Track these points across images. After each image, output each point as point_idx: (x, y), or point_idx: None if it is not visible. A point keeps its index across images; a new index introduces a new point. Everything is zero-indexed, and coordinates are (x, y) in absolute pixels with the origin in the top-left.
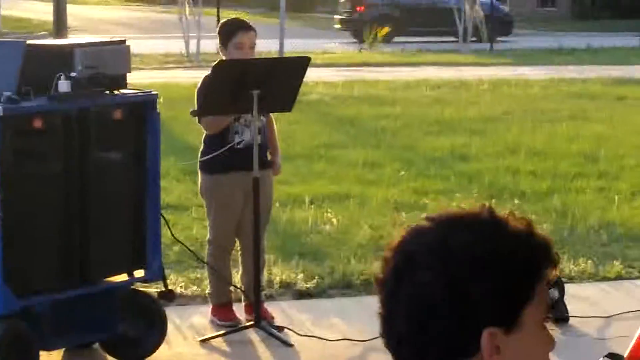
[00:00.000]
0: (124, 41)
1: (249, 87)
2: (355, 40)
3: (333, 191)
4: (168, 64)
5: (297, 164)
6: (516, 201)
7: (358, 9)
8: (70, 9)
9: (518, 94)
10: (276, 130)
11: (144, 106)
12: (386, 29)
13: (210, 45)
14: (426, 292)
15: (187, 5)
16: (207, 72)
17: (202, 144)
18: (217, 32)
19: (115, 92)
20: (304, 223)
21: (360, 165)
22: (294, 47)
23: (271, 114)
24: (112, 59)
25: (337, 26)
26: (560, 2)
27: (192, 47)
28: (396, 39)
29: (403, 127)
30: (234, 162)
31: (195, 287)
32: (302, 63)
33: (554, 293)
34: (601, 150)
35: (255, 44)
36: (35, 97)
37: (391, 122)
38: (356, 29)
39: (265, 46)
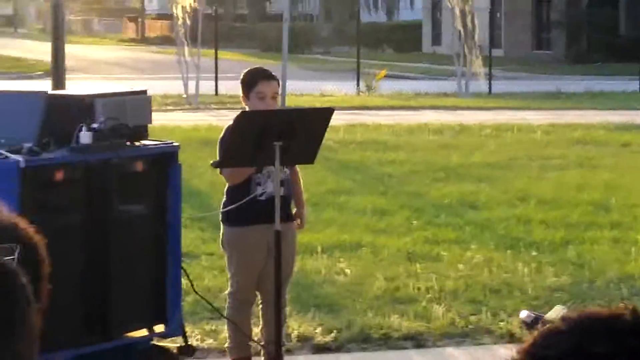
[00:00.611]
0: (145, 91)
1: (272, 139)
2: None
3: (344, 240)
4: (167, 105)
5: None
6: (533, 253)
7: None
8: (66, 49)
9: (521, 139)
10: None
11: (166, 158)
12: (384, 72)
13: (209, 86)
14: None
15: (185, 47)
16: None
17: (224, 195)
18: (240, 81)
19: (137, 143)
20: (316, 273)
21: (369, 213)
22: (291, 89)
23: (296, 165)
24: (134, 109)
25: None
26: (555, 45)
27: (191, 89)
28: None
29: (409, 173)
30: (257, 214)
31: (211, 340)
32: (325, 114)
33: None
34: (612, 200)
35: (277, 94)
36: (56, 148)
37: (397, 167)
38: None
39: None
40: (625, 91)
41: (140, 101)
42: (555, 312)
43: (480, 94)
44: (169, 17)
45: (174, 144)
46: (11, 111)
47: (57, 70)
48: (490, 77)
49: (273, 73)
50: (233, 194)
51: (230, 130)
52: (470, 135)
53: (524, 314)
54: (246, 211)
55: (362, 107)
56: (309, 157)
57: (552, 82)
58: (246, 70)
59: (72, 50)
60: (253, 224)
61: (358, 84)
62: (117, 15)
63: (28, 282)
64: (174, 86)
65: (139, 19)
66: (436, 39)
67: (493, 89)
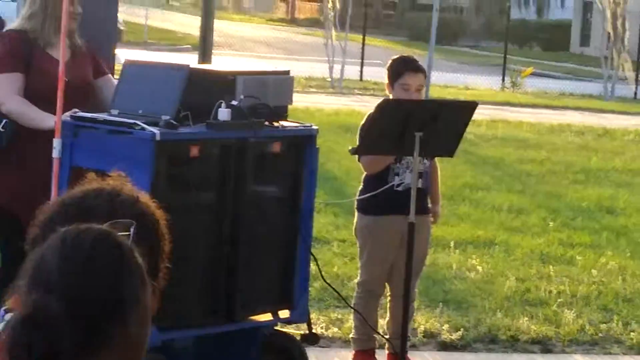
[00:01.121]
0: (287, 71)
1: (413, 129)
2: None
3: (477, 236)
4: (310, 87)
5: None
6: None
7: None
8: (215, 24)
9: None
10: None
11: (304, 141)
12: (530, 69)
13: (354, 71)
14: None
15: (333, 30)
16: (369, 106)
17: (362, 183)
18: (385, 68)
19: (275, 124)
20: (447, 268)
21: (505, 210)
22: (436, 80)
23: (436, 159)
24: (275, 89)
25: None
26: None
27: (336, 73)
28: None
29: (548, 173)
30: (392, 204)
31: (336, 329)
32: (469, 108)
33: None
34: None
35: (423, 86)
36: (194, 123)
37: (536, 166)
38: None
39: None
40: None
41: (282, 81)
42: None
43: (626, 98)
44: None
45: (313, 126)
46: (152, 83)
47: (205, 45)
48: (637, 81)
49: (421, 65)
50: (370, 182)
51: (371, 117)
52: (613, 139)
53: None
54: (382, 200)
55: (506, 103)
56: (448, 151)
57: None
58: (394, 58)
59: (221, 26)
60: (388, 213)
61: (503, 80)
62: None
63: (144, 260)
64: (319, 69)
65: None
66: (585, 40)
67: (637, 94)
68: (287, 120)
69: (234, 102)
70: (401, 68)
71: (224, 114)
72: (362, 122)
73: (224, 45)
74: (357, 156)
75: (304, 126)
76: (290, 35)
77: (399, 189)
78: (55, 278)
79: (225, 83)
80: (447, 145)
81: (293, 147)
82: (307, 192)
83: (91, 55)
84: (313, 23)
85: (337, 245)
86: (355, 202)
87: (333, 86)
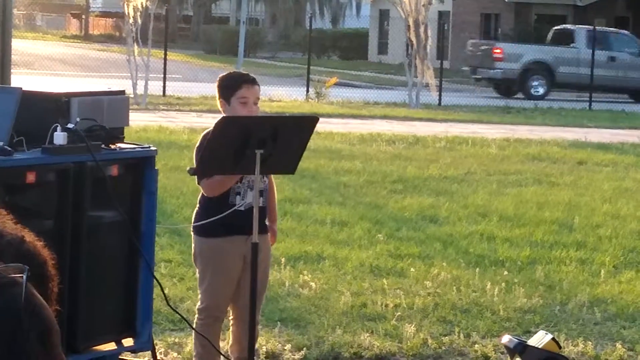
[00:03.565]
0: (123, 92)
1: (253, 146)
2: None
3: (305, 251)
4: None
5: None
6: (503, 272)
7: None
8: None
9: (476, 153)
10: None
11: (143, 162)
12: (334, 79)
13: (156, 87)
14: None
15: (135, 46)
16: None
17: (198, 204)
18: (216, 85)
19: (112, 146)
20: (280, 285)
21: (328, 224)
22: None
23: (272, 176)
24: (111, 110)
25: None
26: None
27: (139, 89)
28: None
29: (366, 183)
30: (234, 225)
31: (175, 354)
32: (309, 123)
33: None
34: (575, 219)
35: (259, 99)
36: (28, 148)
37: (353, 177)
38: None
39: (208, 90)
40: (574, 108)
41: (117, 102)
42: (538, 338)
43: (430, 105)
44: (113, 14)
45: (151, 148)
46: None
47: (4, 65)
48: (440, 88)
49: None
50: (208, 202)
51: (211, 134)
52: (425, 147)
53: (506, 338)
54: (223, 222)
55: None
56: (290, 167)
57: (499, 96)
58: (223, 75)
59: (16, 45)
60: (229, 234)
61: (308, 91)
62: (60, 11)
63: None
64: (120, 85)
65: (83, 16)
66: (383, 48)
67: (443, 100)
68: (124, 142)
69: (70, 125)
70: (237, 82)
71: (59, 137)
72: (198, 143)
73: (20, 64)
74: (195, 178)
75: (142, 147)
76: (85, 51)
77: (241, 208)
78: None
79: (59, 105)
80: (288, 161)
81: (132, 169)
82: (148, 215)
83: None
84: (108, 38)
85: (164, 266)
86: (193, 227)
87: (137, 102)
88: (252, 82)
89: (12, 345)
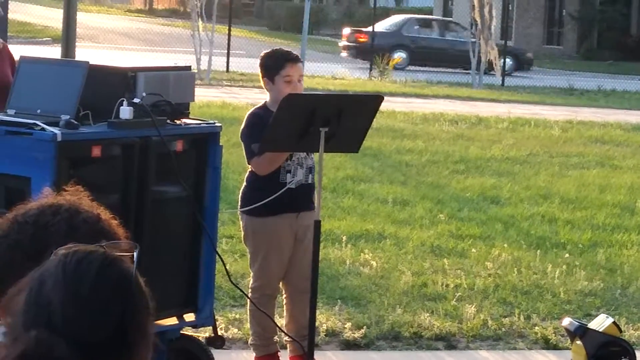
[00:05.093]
0: (189, 67)
1: (318, 124)
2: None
3: (366, 229)
4: None
5: (323, 197)
6: (566, 255)
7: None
8: None
9: (539, 135)
10: None
11: (207, 138)
12: (398, 59)
13: (220, 63)
14: None
15: (200, 21)
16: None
17: (245, 183)
18: (259, 64)
19: (178, 121)
20: (341, 264)
21: (390, 203)
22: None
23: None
24: (176, 85)
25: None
26: (566, 41)
27: (203, 65)
28: (408, 68)
29: (428, 163)
30: (284, 203)
31: (236, 330)
32: (374, 102)
33: None
34: (637, 202)
35: (302, 76)
36: (94, 122)
37: (415, 157)
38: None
39: None
40: (638, 91)
41: (183, 77)
42: (599, 321)
43: (493, 86)
44: None
45: (216, 124)
46: (50, 81)
47: (68, 38)
48: (504, 69)
49: (298, 55)
50: (257, 181)
51: (276, 112)
52: (488, 127)
53: (566, 321)
54: (273, 200)
55: (374, 93)
56: (354, 146)
57: (563, 77)
58: (266, 52)
59: (80, 18)
60: (280, 212)
61: (371, 69)
62: None
63: None
64: (184, 61)
65: None
66: None
67: (506, 81)
68: (189, 118)
69: (136, 100)
70: (280, 61)
71: (125, 112)
72: (243, 124)
73: (85, 38)
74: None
75: (207, 123)
76: (149, 26)
77: (292, 186)
78: (59, 316)
79: (126, 80)
80: (352, 140)
81: (197, 144)
82: (212, 191)
83: (8, 55)
84: (171, 13)
85: (225, 242)
86: (240, 203)
87: (201, 78)
88: (295, 59)
89: (122, 322)
